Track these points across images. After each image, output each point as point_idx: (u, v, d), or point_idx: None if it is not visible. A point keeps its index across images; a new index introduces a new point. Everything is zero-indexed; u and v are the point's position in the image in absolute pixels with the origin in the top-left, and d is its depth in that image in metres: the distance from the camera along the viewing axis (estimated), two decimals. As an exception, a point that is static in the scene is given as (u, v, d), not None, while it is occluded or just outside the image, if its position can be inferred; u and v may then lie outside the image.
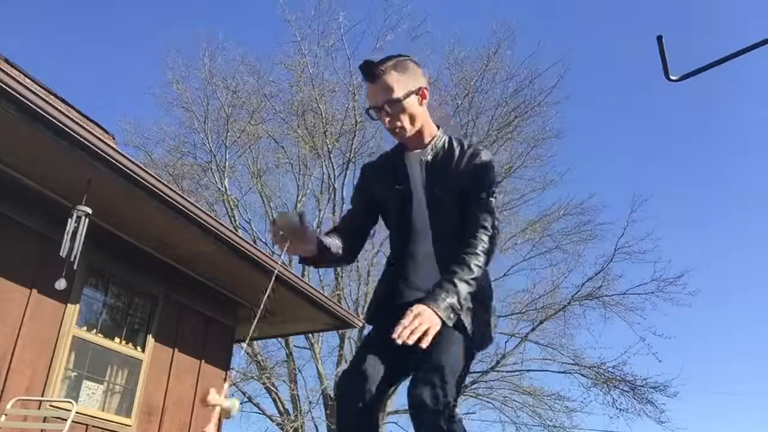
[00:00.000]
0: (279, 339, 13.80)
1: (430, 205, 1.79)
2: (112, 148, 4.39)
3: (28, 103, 3.80)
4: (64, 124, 4.01)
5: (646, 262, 16.01)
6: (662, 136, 24.69)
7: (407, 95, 1.73)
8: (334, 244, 1.82)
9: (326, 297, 6.79)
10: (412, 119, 1.77)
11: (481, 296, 1.75)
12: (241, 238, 5.70)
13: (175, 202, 4.83)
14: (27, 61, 17.45)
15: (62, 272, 4.28)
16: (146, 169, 4.69)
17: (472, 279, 1.62)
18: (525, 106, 15.71)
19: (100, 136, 4.34)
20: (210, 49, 16.40)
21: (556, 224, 15.81)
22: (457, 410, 1.58)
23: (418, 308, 1.50)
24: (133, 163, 4.55)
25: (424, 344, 1.46)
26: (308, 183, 16.28)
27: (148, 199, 4.72)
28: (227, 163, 15.72)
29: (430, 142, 1.83)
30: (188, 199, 5.14)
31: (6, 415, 4.17)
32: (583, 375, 14.57)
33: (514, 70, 15.77)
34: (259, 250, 5.90)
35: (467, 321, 1.68)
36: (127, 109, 30.71)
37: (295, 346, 14.69)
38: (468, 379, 14.93)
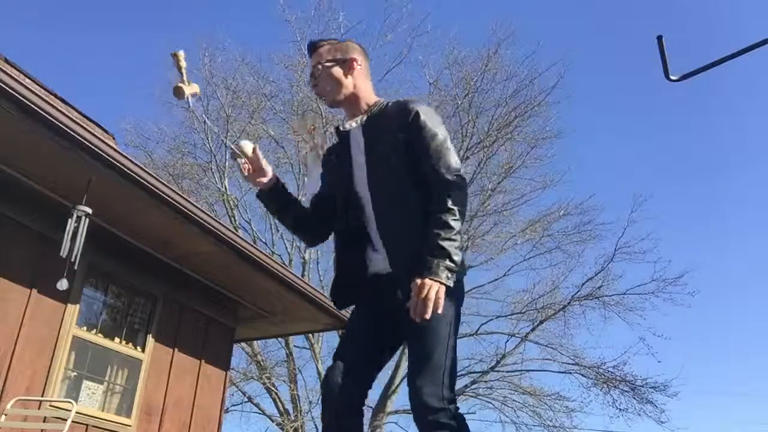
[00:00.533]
0: (279, 339, 13.80)
1: (369, 166, 1.81)
2: (112, 148, 4.39)
3: (28, 103, 3.80)
4: (64, 124, 4.01)
5: (646, 262, 16.06)
6: (662, 136, 24.70)
7: (331, 61, 1.91)
8: (299, 204, 1.97)
9: (326, 297, 6.78)
10: (338, 85, 1.90)
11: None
12: (241, 238, 5.70)
13: (175, 202, 4.83)
14: (27, 61, 17.45)
15: (62, 272, 4.28)
16: (146, 169, 4.69)
17: (455, 234, 1.63)
18: (525, 106, 15.71)
19: (100, 136, 4.34)
20: (210, 49, 16.42)
21: (556, 224, 15.82)
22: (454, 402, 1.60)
23: (419, 283, 1.55)
24: (133, 163, 4.54)
25: (439, 309, 1.54)
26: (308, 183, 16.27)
27: (148, 199, 4.72)
28: (227, 163, 15.72)
29: (368, 109, 1.90)
30: (188, 199, 5.14)
31: (6, 415, 4.17)
32: (583, 375, 14.58)
33: (514, 70, 15.77)
34: (259, 250, 5.90)
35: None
36: (127, 109, 30.71)
37: (295, 346, 14.70)
38: (468, 379, 14.97)
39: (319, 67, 1.91)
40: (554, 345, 14.98)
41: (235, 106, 15.98)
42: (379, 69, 15.85)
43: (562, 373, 14.85)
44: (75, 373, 5.16)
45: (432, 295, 1.53)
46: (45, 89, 5.53)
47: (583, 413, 14.74)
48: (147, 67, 28.45)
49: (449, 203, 1.65)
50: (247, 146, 1.87)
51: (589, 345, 25.95)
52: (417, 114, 1.77)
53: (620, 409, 13.97)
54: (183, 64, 1.84)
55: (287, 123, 15.88)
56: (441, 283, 1.56)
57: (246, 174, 1.87)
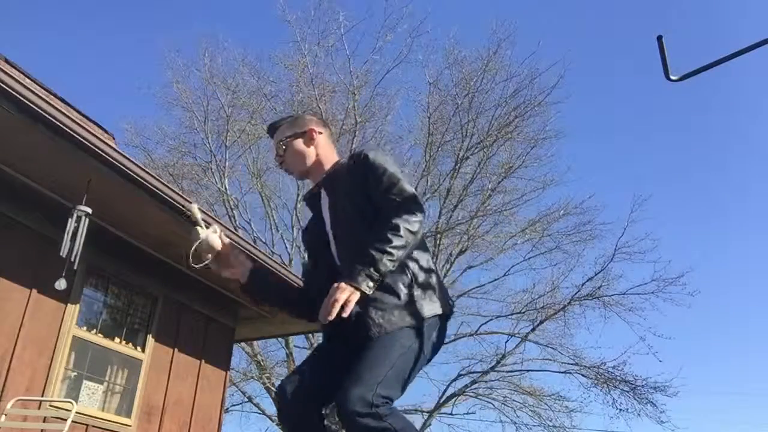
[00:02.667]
0: (279, 339, 13.80)
1: (331, 221, 1.87)
2: (112, 148, 4.39)
3: (28, 103, 3.80)
4: (64, 124, 4.01)
5: (646, 262, 16.06)
6: (662, 136, 24.69)
7: (291, 136, 1.99)
8: (285, 289, 2.02)
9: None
10: (301, 156, 1.98)
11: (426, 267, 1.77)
12: (240, 237, 5.71)
13: (175, 202, 4.83)
14: (27, 61, 17.45)
15: (62, 272, 4.28)
16: (146, 169, 4.69)
17: (390, 247, 1.61)
18: (525, 106, 15.70)
19: (100, 136, 4.34)
20: (210, 49, 16.42)
21: (556, 224, 15.81)
22: (388, 406, 1.55)
23: (335, 287, 1.58)
24: (133, 163, 4.55)
25: (345, 313, 1.55)
26: (308, 183, 16.25)
27: (148, 199, 4.72)
28: (227, 163, 15.72)
29: (328, 172, 1.98)
30: (188, 199, 5.14)
31: (6, 415, 4.16)
32: (583, 375, 14.58)
33: (514, 70, 15.75)
34: (259, 250, 5.90)
35: (422, 302, 1.70)
36: (127, 109, 30.72)
37: (295, 346, 14.70)
38: (468, 379, 14.99)
39: (282, 144, 1.99)
40: (554, 345, 15.00)
41: (235, 106, 15.98)
42: (379, 69, 15.88)
43: (562, 373, 14.87)
44: (75, 373, 5.17)
45: (340, 297, 1.54)
46: (45, 89, 5.53)
47: (583, 413, 14.78)
48: (147, 67, 28.45)
49: (393, 221, 1.67)
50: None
51: (589, 345, 25.97)
52: (365, 156, 1.84)
53: (620, 410, 13.98)
54: (199, 215, 1.91)
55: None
56: (356, 287, 1.57)
57: (216, 265, 1.91)
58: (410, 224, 1.67)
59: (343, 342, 1.78)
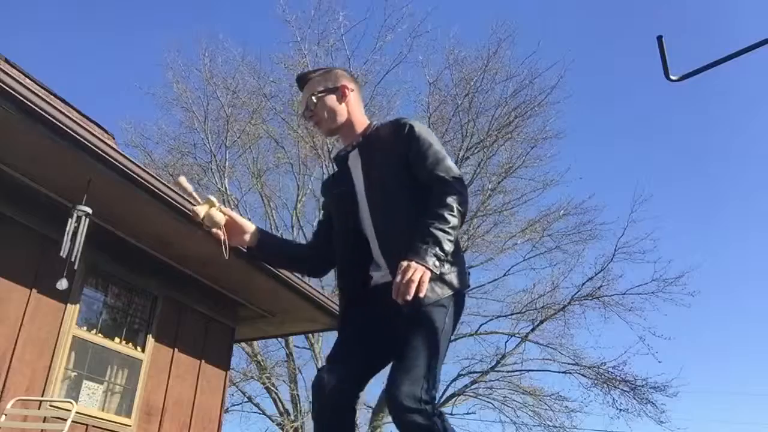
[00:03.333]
0: (279, 339, 13.80)
1: (367, 187, 1.83)
2: (112, 148, 4.39)
3: (28, 103, 3.80)
4: (64, 124, 4.01)
5: (646, 262, 16.04)
6: (662, 135, 24.69)
7: (325, 91, 1.94)
8: (289, 244, 2.02)
9: (326, 297, 6.79)
10: (333, 113, 1.94)
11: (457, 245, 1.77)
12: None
13: (175, 202, 4.83)
14: (27, 61, 17.45)
15: (62, 272, 4.28)
16: (146, 169, 4.69)
17: (449, 228, 1.63)
18: (525, 106, 15.72)
19: (100, 136, 4.34)
20: (210, 49, 16.42)
21: (556, 224, 15.82)
22: (436, 401, 1.59)
23: (404, 264, 1.55)
24: (133, 163, 4.54)
25: (422, 293, 1.53)
26: (308, 183, 16.27)
27: (148, 199, 4.71)
28: (227, 163, 15.72)
29: (362, 133, 1.94)
30: (188, 199, 5.14)
31: (6, 415, 4.16)
32: (583, 375, 14.59)
33: (514, 70, 15.77)
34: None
35: (452, 275, 1.70)
36: (127, 109, 30.72)
37: (295, 346, 14.70)
38: (468, 379, 15.00)
39: (313, 98, 1.93)
40: (554, 345, 15.00)
41: (235, 106, 15.98)
42: (379, 69, 15.88)
43: (562, 373, 14.87)
44: (75, 373, 5.16)
45: (416, 277, 1.52)
46: (45, 89, 5.53)
47: (583, 413, 14.78)
48: (147, 67, 28.46)
49: (447, 200, 1.67)
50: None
51: (589, 345, 25.97)
52: (411, 127, 1.82)
53: (620, 410, 13.99)
54: (189, 189, 1.84)
55: (287, 123, 15.88)
56: (426, 267, 1.55)
57: (225, 239, 1.83)
58: (462, 205, 1.68)
59: (372, 316, 1.80)
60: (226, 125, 15.74)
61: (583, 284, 14.86)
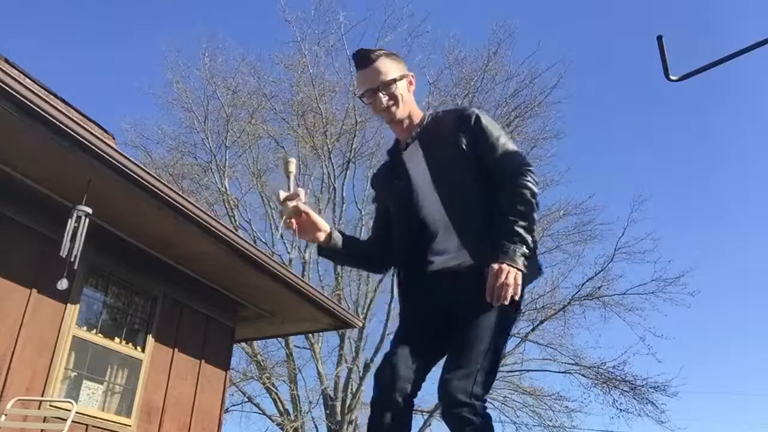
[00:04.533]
0: (279, 339, 13.80)
1: (437, 180, 1.81)
2: (112, 148, 4.39)
3: (28, 103, 3.80)
4: (64, 124, 4.01)
5: (646, 262, 16.05)
6: (662, 135, 24.69)
7: (401, 77, 1.84)
8: (361, 243, 1.98)
9: (326, 297, 6.79)
10: (403, 101, 1.85)
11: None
12: (241, 238, 5.70)
13: (175, 202, 4.83)
14: (27, 61, 17.45)
15: (62, 272, 4.28)
16: (146, 169, 4.69)
17: (531, 223, 1.66)
18: (525, 106, 15.73)
19: (100, 136, 4.34)
20: (210, 49, 16.43)
21: (556, 224, 15.82)
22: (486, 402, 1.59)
23: (497, 268, 1.57)
24: (133, 163, 4.54)
25: (517, 295, 1.56)
26: (308, 183, 16.29)
27: (148, 199, 4.71)
28: (227, 163, 15.72)
29: (420, 123, 1.89)
30: (188, 199, 5.14)
31: (6, 415, 4.16)
32: (583, 375, 14.59)
33: (514, 70, 15.79)
34: (259, 250, 5.90)
35: (532, 270, 1.70)
36: (127, 109, 30.72)
37: (295, 346, 14.69)
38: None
39: (391, 84, 1.82)
40: (554, 345, 15.01)
41: (235, 106, 15.98)
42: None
43: (562, 373, 14.87)
44: (75, 373, 5.16)
45: (511, 281, 1.55)
46: (45, 89, 5.53)
47: (583, 413, 14.77)
48: (147, 67, 28.46)
49: (525, 194, 1.69)
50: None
51: (589, 345, 25.97)
52: (478, 117, 1.81)
53: (620, 410, 13.99)
54: (292, 170, 1.76)
55: (287, 123, 15.88)
56: (518, 269, 1.58)
57: (296, 230, 1.77)
58: (537, 197, 1.71)
59: (433, 303, 1.80)
60: (226, 125, 15.75)
61: (583, 284, 14.88)
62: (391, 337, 2.03)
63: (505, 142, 1.79)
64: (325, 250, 1.89)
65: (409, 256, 1.88)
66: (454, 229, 1.76)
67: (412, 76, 1.90)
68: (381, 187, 2.02)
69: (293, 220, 1.74)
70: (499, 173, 1.75)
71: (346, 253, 1.92)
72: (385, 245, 1.97)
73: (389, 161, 1.98)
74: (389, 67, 1.84)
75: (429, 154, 1.83)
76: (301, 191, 1.76)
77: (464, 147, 1.78)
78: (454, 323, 1.70)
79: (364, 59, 1.84)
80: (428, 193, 1.83)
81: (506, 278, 1.54)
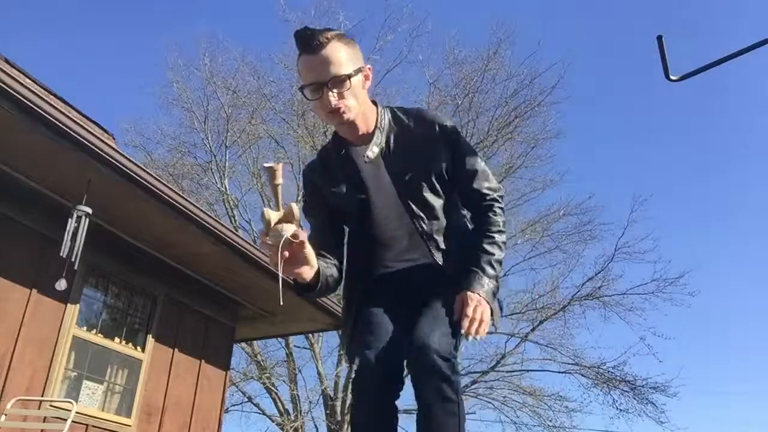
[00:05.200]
0: (279, 339, 13.81)
1: (404, 193, 1.64)
2: (112, 148, 4.39)
3: (28, 103, 3.80)
4: (64, 124, 4.01)
5: (646, 262, 16.04)
6: (662, 135, 24.70)
7: (356, 71, 1.52)
8: (332, 268, 1.65)
9: (326, 297, 6.79)
10: (357, 100, 1.54)
11: None
12: (241, 238, 5.70)
13: (175, 202, 4.83)
14: (27, 61, 17.46)
15: (62, 272, 4.28)
16: (146, 169, 4.69)
17: (502, 256, 1.62)
18: (525, 106, 15.72)
19: (100, 136, 4.34)
20: (210, 49, 16.42)
21: (556, 224, 15.82)
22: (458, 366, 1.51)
23: (473, 297, 1.50)
24: (133, 163, 4.55)
25: (485, 332, 1.48)
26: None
27: (148, 199, 4.72)
28: (227, 163, 15.72)
29: (375, 127, 1.63)
30: (188, 199, 5.14)
31: (6, 415, 4.16)
32: (583, 375, 14.58)
33: (514, 70, 15.76)
34: (259, 250, 5.90)
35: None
36: (127, 109, 30.73)
37: (295, 346, 14.69)
38: (468, 379, 14.98)
39: (344, 81, 1.50)
40: (554, 345, 15.00)
41: (235, 106, 15.97)
42: (379, 69, 15.88)
43: (562, 373, 14.87)
44: (75, 373, 5.17)
45: (487, 318, 1.51)
46: (45, 89, 5.53)
47: (583, 413, 14.76)
48: (147, 67, 28.47)
49: (499, 223, 1.66)
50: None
51: (589, 345, 25.96)
52: (453, 129, 1.68)
53: (620, 410, 13.99)
54: (279, 181, 1.27)
55: (287, 123, 15.88)
56: (490, 305, 1.54)
57: (279, 260, 1.30)
58: (505, 226, 1.68)
59: (392, 297, 1.69)
60: (226, 125, 15.75)
61: (583, 284, 14.88)
62: None
63: (480, 161, 1.70)
64: (308, 289, 1.55)
65: (366, 261, 1.75)
66: (427, 245, 1.65)
67: (369, 68, 1.60)
68: (324, 184, 1.70)
69: (281, 253, 1.28)
70: (475, 198, 1.68)
71: (327, 287, 1.62)
72: (340, 257, 1.72)
73: (335, 159, 1.68)
74: (343, 57, 1.49)
75: (394, 165, 1.63)
76: (295, 207, 1.30)
77: (439, 162, 1.64)
78: (422, 305, 1.60)
79: (310, 41, 1.48)
80: (392, 207, 1.66)
81: (484, 315, 1.49)
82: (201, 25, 27.62)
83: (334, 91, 1.50)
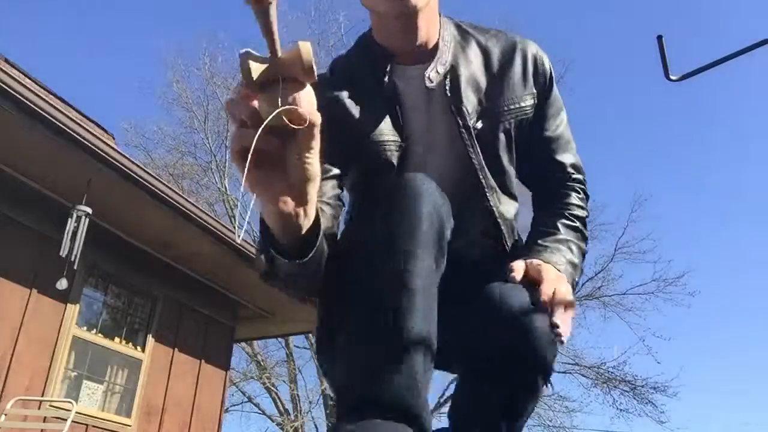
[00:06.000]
0: (279, 339, 13.81)
1: (472, 143, 1.12)
2: (112, 148, 4.39)
3: (28, 103, 3.80)
4: (64, 124, 4.01)
5: (646, 262, 16.05)
6: (662, 135, 24.72)
7: None
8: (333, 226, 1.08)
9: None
10: None
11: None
12: (241, 237, 5.70)
13: (175, 202, 4.83)
14: (27, 61, 17.47)
15: (62, 272, 4.29)
16: (146, 169, 4.70)
17: (584, 247, 1.20)
18: (525, 106, 15.71)
19: (100, 136, 4.34)
20: (210, 49, 16.47)
21: (555, 224, 15.80)
22: None
23: (555, 273, 1.08)
24: (133, 163, 4.55)
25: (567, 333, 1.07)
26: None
27: (148, 199, 4.72)
28: (227, 163, 15.73)
29: (438, 39, 1.16)
30: (188, 199, 5.15)
31: (6, 415, 4.17)
32: (583, 375, 14.59)
33: (514, 70, 15.75)
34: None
35: None
36: (127, 109, 30.75)
37: (295, 346, 14.71)
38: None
39: None
40: (554, 345, 14.99)
41: (235, 106, 15.97)
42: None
43: (562, 373, 14.87)
44: (75, 373, 5.17)
45: (572, 309, 1.12)
46: (45, 89, 5.53)
47: (583, 413, 14.79)
48: (147, 67, 28.48)
49: (584, 218, 1.22)
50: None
51: (589, 345, 25.99)
52: (551, 74, 1.19)
53: (620, 410, 14.00)
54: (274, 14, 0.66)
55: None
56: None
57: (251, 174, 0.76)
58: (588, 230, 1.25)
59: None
60: (226, 125, 15.75)
61: (583, 284, 14.87)
62: None
63: (568, 130, 1.24)
64: (287, 253, 0.89)
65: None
66: (489, 212, 1.18)
67: None
68: (333, 119, 0.89)
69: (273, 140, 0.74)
70: (555, 173, 1.24)
71: (319, 257, 0.93)
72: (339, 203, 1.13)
73: (365, 82, 1.15)
74: None
75: (462, 100, 1.11)
76: (307, 48, 0.72)
77: (526, 111, 1.15)
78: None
79: None
80: (451, 166, 1.13)
81: (565, 291, 1.07)
82: (201, 25, 27.65)
83: None
